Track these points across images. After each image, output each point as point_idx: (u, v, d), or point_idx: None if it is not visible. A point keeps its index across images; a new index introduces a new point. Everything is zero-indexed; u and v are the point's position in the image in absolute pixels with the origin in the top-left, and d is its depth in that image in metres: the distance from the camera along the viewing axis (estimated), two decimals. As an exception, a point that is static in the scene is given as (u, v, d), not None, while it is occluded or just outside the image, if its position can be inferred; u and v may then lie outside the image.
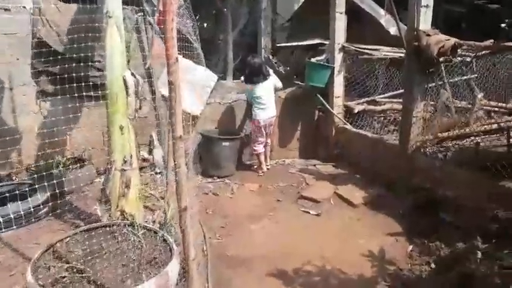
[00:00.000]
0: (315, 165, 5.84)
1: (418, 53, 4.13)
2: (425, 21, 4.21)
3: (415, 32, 4.11)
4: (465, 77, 5.75)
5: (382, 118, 6.50)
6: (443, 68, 4.76)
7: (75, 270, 2.68)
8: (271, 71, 5.63)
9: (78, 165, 4.81)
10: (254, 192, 4.95)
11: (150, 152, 5.46)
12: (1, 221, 3.56)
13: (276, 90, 5.61)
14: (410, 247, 3.70)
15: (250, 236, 3.94)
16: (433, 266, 3.34)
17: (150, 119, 5.40)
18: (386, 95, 6.33)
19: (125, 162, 3.26)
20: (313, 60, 5.99)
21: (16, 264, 3.14)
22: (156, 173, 5.13)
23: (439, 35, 3.98)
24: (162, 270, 2.66)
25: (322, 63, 5.85)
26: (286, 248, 3.70)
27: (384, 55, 5.91)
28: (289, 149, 6.16)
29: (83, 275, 2.64)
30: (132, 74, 3.35)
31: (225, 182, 5.22)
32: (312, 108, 6.26)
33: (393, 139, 4.98)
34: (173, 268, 2.73)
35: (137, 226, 3.09)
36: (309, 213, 4.39)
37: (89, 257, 2.82)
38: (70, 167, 4.74)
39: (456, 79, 5.66)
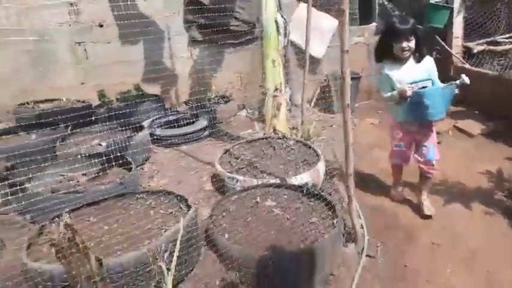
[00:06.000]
0: (431, 104, 6.13)
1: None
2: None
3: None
4: None
5: (503, 60, 6.47)
6: None
7: (249, 164, 3.58)
8: None
9: (223, 100, 5.78)
10: (375, 126, 5.49)
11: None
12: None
13: None
14: (529, 168, 4.01)
15: (376, 158, 4.53)
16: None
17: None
18: (508, 35, 6.27)
19: (276, 89, 4.04)
20: (432, 1, 6.16)
21: (196, 166, 4.15)
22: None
23: None
24: (314, 167, 3.44)
25: (441, 3, 6.01)
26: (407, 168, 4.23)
27: (508, -8, 5.87)
28: (405, 90, 6.49)
29: (256, 166, 3.52)
30: (282, 16, 4.04)
31: (346, 117, 5.80)
32: (429, 49, 6.48)
33: (515, 76, 5.09)
34: (321, 167, 3.49)
35: (288, 138, 3.89)
36: (428, 142, 4.83)
37: (256, 157, 3.71)
38: (217, 102, 5.74)
39: None
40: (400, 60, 3.11)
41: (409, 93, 2.95)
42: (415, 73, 3.10)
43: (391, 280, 2.64)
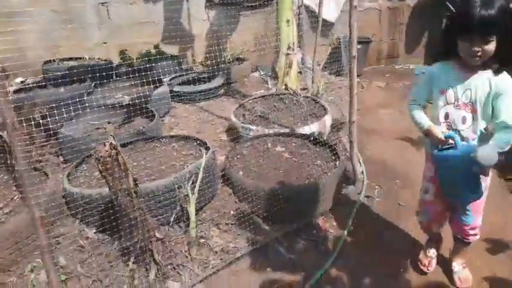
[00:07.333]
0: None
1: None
2: None
3: None
4: None
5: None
6: None
7: (261, 116, 3.90)
8: None
9: (238, 61, 6.05)
10: (381, 88, 5.74)
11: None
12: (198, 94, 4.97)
13: None
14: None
15: (380, 116, 4.81)
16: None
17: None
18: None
19: (289, 48, 4.29)
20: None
21: (213, 119, 4.49)
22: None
23: None
24: (321, 119, 3.75)
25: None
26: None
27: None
28: (415, 55, 6.67)
29: (268, 118, 3.84)
30: (297, -22, 4.26)
31: (355, 80, 6.07)
32: (440, 16, 6.60)
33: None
34: (328, 119, 3.80)
35: (299, 94, 4.18)
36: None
37: (268, 111, 4.02)
38: (232, 62, 6.02)
39: None
40: (466, 66, 1.84)
41: (434, 146, 1.90)
42: (472, 90, 1.83)
43: (385, 216, 2.97)
